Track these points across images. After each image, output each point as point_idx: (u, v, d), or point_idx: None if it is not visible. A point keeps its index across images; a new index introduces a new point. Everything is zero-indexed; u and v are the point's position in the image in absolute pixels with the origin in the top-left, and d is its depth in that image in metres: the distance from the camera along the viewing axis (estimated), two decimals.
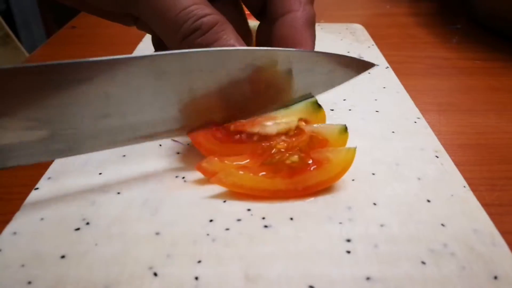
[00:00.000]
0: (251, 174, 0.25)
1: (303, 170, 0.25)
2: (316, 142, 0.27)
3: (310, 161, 0.25)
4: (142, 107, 0.25)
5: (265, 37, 0.29)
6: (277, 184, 0.25)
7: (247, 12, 0.31)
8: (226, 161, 0.26)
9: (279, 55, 0.26)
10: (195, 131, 0.27)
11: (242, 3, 0.31)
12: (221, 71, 0.25)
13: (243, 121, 0.28)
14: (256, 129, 0.27)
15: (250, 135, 0.27)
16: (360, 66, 0.29)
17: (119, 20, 0.31)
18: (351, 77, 0.29)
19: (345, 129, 0.27)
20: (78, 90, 0.23)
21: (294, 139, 0.27)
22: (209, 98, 0.26)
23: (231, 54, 0.25)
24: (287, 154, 0.26)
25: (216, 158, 0.26)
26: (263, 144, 0.27)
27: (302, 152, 0.26)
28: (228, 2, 0.30)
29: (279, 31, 0.29)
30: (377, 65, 0.28)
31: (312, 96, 0.29)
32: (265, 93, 0.28)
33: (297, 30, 0.29)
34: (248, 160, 0.27)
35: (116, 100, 0.24)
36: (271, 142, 0.27)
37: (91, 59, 0.22)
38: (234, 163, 0.26)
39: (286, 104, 0.29)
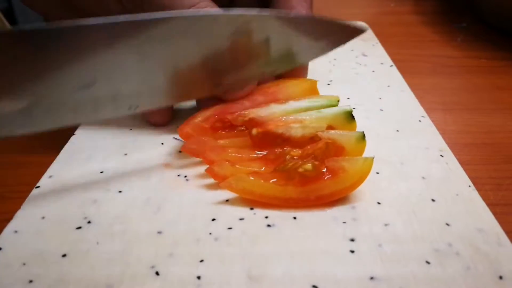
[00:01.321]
0: (262, 181, 0.24)
1: (316, 179, 0.24)
2: (332, 150, 0.26)
3: (325, 170, 0.24)
4: (126, 76, 0.24)
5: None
6: (289, 192, 0.24)
7: None
8: (237, 166, 0.26)
9: (265, 19, 0.26)
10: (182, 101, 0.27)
11: None
12: (207, 37, 0.24)
13: (265, 118, 0.27)
14: (280, 130, 0.27)
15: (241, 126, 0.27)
16: (349, 31, 0.28)
17: None
18: (340, 43, 0.28)
19: (362, 136, 0.26)
20: (59, 57, 0.21)
21: (309, 146, 0.26)
22: (194, 66, 0.25)
23: (220, 19, 0.24)
24: (300, 162, 0.25)
25: (227, 162, 0.25)
26: (276, 150, 0.27)
27: (317, 160, 0.25)
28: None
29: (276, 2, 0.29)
30: (366, 30, 0.28)
31: (348, 105, 0.28)
32: (251, 61, 0.27)
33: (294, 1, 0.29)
34: (263, 168, 0.26)
35: (99, 67, 0.23)
36: (285, 148, 0.26)
37: (68, 22, 0.21)
38: (246, 168, 0.26)
39: (275, 72, 0.28)
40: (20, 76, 0.21)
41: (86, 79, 0.22)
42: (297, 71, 0.32)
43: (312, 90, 0.31)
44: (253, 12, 0.25)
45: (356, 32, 0.28)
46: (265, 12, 0.25)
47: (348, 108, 0.28)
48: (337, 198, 0.24)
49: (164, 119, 0.31)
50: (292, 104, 0.28)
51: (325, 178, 0.24)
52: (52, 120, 0.23)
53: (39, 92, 0.22)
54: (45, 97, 0.22)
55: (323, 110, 0.28)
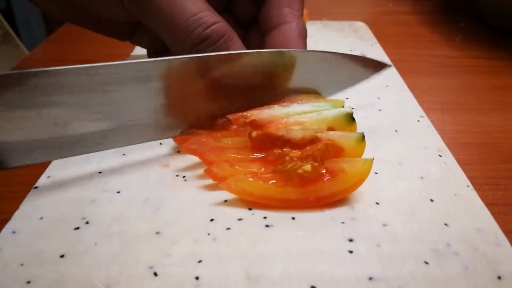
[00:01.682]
0: (261, 182, 0.24)
1: (316, 180, 0.24)
2: (332, 151, 0.26)
3: (324, 171, 0.24)
4: (134, 110, 0.25)
5: (256, 48, 0.29)
6: (288, 193, 0.24)
7: None
8: (236, 167, 0.25)
9: (289, 55, 0.26)
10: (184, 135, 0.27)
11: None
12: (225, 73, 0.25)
13: (266, 121, 0.27)
14: (280, 133, 0.27)
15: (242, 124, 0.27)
16: (374, 66, 0.29)
17: (114, 34, 0.31)
18: (364, 78, 0.29)
19: (362, 137, 0.26)
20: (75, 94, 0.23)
21: (308, 147, 0.26)
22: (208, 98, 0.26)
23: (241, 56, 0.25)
24: (300, 163, 0.25)
25: (226, 163, 0.25)
26: (275, 151, 0.26)
27: (316, 161, 0.25)
28: (225, 14, 0.30)
29: (273, 41, 0.29)
30: (390, 65, 0.28)
31: (349, 107, 0.29)
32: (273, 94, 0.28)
33: (293, 41, 0.29)
34: (262, 169, 0.26)
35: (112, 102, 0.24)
36: (284, 150, 0.26)
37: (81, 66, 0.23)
38: (246, 169, 0.26)
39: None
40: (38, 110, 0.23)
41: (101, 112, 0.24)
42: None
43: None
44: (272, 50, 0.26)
45: (379, 66, 0.28)
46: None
47: (348, 110, 0.28)
48: (337, 199, 0.24)
49: None
50: (295, 108, 0.28)
51: (325, 179, 0.24)
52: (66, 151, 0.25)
53: (55, 123, 0.23)
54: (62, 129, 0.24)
55: (323, 112, 0.28)
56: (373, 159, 0.24)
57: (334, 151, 0.26)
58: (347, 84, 0.29)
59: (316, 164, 0.24)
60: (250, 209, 0.24)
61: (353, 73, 0.28)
